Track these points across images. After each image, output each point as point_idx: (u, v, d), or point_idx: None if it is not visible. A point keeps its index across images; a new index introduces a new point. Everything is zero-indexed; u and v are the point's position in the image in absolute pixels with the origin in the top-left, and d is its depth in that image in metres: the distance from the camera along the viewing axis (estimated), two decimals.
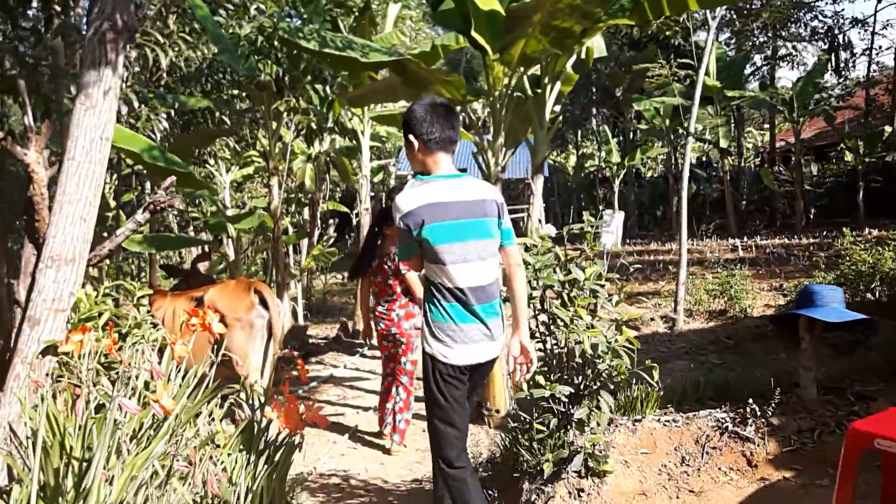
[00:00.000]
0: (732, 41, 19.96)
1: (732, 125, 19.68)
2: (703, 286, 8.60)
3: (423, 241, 2.67)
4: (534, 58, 5.10)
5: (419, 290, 4.59)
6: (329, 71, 7.59)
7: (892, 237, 8.51)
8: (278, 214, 8.35)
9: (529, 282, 3.14)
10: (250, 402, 3.35)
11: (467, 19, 5.10)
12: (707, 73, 18.32)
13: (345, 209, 14.57)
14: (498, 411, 5.33)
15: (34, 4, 5.45)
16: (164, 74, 9.81)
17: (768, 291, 9.34)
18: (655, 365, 3.03)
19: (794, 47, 19.28)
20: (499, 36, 4.92)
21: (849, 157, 18.48)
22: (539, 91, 5.54)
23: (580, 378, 3.14)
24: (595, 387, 3.12)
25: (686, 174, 7.71)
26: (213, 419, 3.31)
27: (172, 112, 9.06)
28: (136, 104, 6.06)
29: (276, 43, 7.40)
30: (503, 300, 2.91)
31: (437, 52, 6.53)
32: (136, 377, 3.10)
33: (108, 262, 8.42)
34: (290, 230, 14.27)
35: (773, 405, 3.52)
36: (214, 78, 9.00)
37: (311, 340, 9.67)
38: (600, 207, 19.93)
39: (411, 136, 2.75)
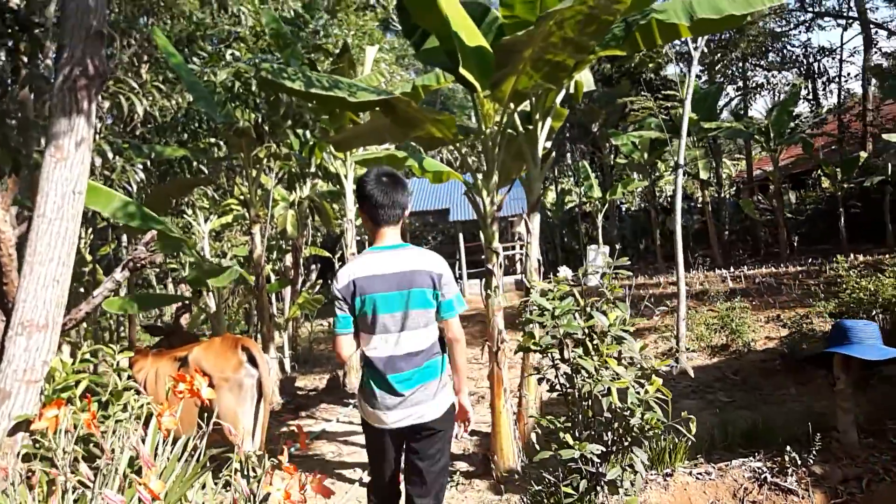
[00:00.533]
0: (704, 72, 20.16)
1: (710, 156, 19.79)
2: (702, 320, 8.39)
3: (354, 311, 2.84)
4: (525, 93, 4.93)
5: None
6: (310, 115, 7.39)
7: (890, 263, 8.41)
8: (262, 263, 8.05)
9: (547, 331, 2.89)
10: (245, 473, 3.04)
11: (454, 56, 4.93)
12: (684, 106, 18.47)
13: (327, 254, 14.27)
14: (512, 473, 5.03)
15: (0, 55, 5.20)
16: (140, 124, 9.58)
17: (766, 323, 9.16)
18: (692, 417, 2.77)
19: (771, 75, 19.52)
20: (489, 72, 4.74)
21: (826, 183, 18.61)
22: (530, 127, 5.36)
23: (609, 434, 2.87)
24: (626, 443, 2.85)
25: (679, 206, 7.56)
26: (205, 491, 2.99)
27: (148, 163, 8.81)
28: (110, 155, 5.78)
29: (253, 88, 7.20)
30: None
31: (418, 93, 6.36)
32: (121, 451, 2.79)
33: (84, 322, 8.01)
34: (273, 278, 13.92)
35: (813, 452, 3.26)
36: (191, 127, 8.80)
37: (299, 392, 9.29)
38: (584, 243, 19.82)
39: (360, 209, 2.98)
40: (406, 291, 2.80)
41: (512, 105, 5.07)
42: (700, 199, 21.40)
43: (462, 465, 5.77)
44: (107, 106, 7.59)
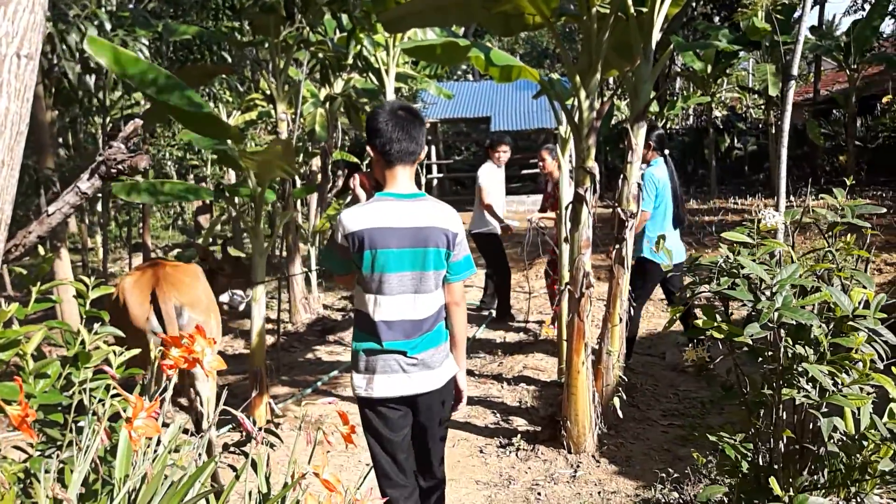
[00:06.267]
0: None
1: (779, 73, 18.06)
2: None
3: (358, 264, 2.52)
4: None
5: None
6: None
7: None
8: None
9: (760, 313, 1.83)
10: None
11: None
12: (756, 15, 16.65)
13: (355, 160, 13.10)
14: (588, 444, 4.10)
15: None
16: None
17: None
18: None
19: None
20: None
21: None
22: (644, 10, 4.13)
23: (823, 474, 1.85)
24: (854, 488, 1.83)
25: (786, 127, 6.25)
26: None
27: (165, 45, 7.69)
28: (108, 26, 4.65)
29: None
30: None
31: None
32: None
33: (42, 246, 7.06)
34: (298, 183, 12.78)
35: None
36: (211, 4, 7.60)
37: (325, 312, 8.40)
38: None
39: (370, 146, 2.58)
40: (421, 250, 2.51)
41: None
42: (761, 120, 19.80)
43: (520, 423, 4.86)
44: None
